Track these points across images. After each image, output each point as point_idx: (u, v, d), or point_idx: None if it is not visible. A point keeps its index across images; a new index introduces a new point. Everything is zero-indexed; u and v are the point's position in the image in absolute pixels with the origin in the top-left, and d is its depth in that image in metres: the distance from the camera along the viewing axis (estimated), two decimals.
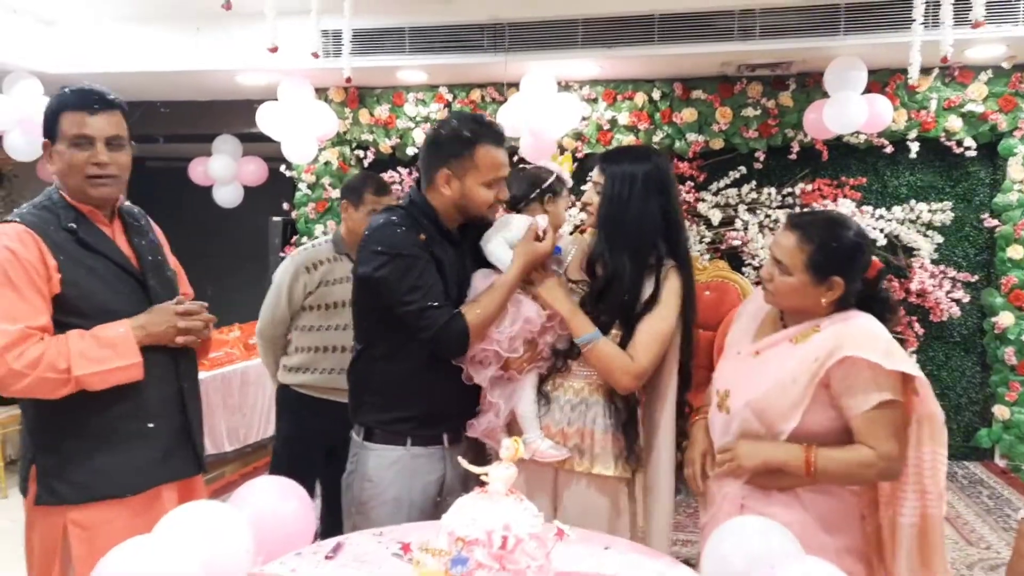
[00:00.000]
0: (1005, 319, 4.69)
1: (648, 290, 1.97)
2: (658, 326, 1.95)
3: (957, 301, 4.87)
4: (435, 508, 2.04)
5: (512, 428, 2.02)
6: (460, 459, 1.52)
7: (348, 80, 3.52)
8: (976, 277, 4.91)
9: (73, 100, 1.78)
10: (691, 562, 1.78)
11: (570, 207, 2.25)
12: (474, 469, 1.45)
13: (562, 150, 4.97)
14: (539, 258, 1.96)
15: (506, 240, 2.03)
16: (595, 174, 2.04)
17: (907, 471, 1.79)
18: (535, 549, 1.36)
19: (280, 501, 1.79)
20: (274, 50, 3.02)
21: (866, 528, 1.86)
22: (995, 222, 4.82)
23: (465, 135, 1.95)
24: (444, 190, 1.98)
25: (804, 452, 1.76)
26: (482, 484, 1.42)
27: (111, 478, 1.78)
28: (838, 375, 1.73)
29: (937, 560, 1.82)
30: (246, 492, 1.80)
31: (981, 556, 3.46)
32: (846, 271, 1.78)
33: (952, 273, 4.89)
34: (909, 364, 1.74)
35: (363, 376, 2.07)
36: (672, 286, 1.97)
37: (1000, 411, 4.77)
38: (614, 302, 1.97)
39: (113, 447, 1.79)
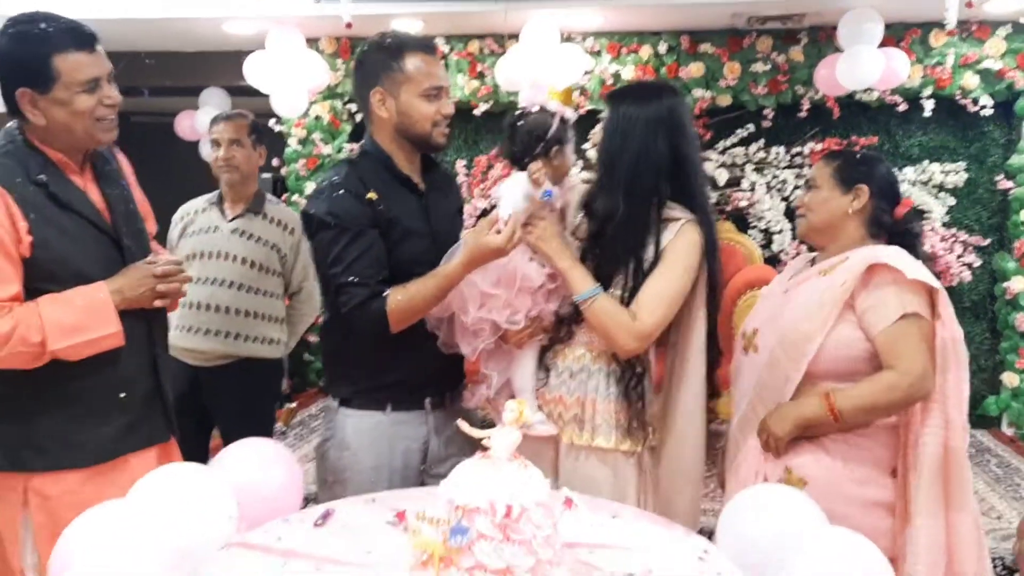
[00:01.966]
0: (1017, 284, 4.57)
1: (654, 245, 1.80)
2: (666, 285, 1.78)
3: (968, 265, 4.75)
4: (419, 476, 1.94)
5: (514, 395, 1.90)
6: (460, 422, 1.39)
7: (348, 26, 3.34)
8: (988, 241, 4.78)
9: (67, 40, 1.58)
10: (706, 531, 1.67)
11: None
12: (476, 433, 1.34)
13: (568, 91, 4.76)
14: (488, 253, 1.74)
15: (510, 205, 1.87)
16: (604, 113, 1.89)
17: (934, 396, 1.76)
18: (541, 518, 1.25)
19: (265, 465, 1.70)
20: None
21: (897, 482, 1.81)
22: (1009, 184, 4.67)
23: (389, 44, 1.82)
24: (381, 113, 1.84)
25: (824, 400, 1.76)
26: (483, 449, 1.30)
27: (79, 448, 1.68)
28: (863, 292, 1.77)
29: (962, 496, 1.79)
30: (228, 455, 1.70)
31: (992, 526, 3.37)
32: (869, 180, 1.89)
33: (963, 237, 4.76)
34: (932, 278, 1.76)
35: (334, 347, 1.96)
36: (686, 242, 1.79)
37: (1009, 378, 4.68)
38: (609, 247, 1.81)
39: (82, 417, 1.69)
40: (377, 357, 1.85)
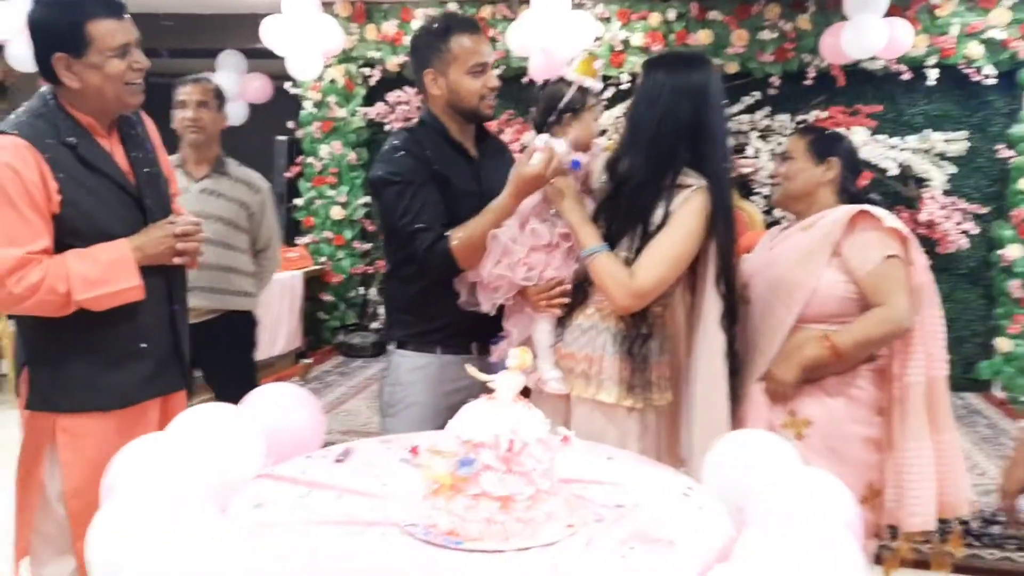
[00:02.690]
0: (1013, 251, 4.67)
1: (663, 210, 1.86)
2: (667, 247, 1.84)
3: (966, 232, 4.84)
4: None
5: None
6: (468, 367, 1.52)
7: None
8: (987, 209, 4.86)
9: (98, 8, 1.67)
10: None
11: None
12: (480, 376, 1.46)
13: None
14: (529, 181, 1.86)
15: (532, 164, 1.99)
16: (639, 77, 1.99)
17: (914, 333, 1.96)
18: (541, 453, 1.38)
19: (291, 408, 1.80)
20: None
21: (884, 420, 2.00)
22: (1010, 153, 4.74)
23: (436, 28, 2.00)
24: (435, 91, 2.02)
25: (823, 340, 1.94)
26: (490, 392, 1.43)
27: (103, 392, 1.78)
28: (848, 238, 1.95)
29: (944, 419, 2.01)
30: (258, 398, 1.81)
31: (975, 481, 3.50)
32: (839, 153, 2.09)
33: (963, 205, 4.84)
34: (905, 227, 1.98)
35: (393, 295, 2.18)
36: (693, 208, 1.84)
37: (1002, 343, 4.80)
38: (623, 208, 1.90)
39: (106, 364, 1.79)
40: (428, 304, 2.04)
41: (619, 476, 1.60)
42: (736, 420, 1.98)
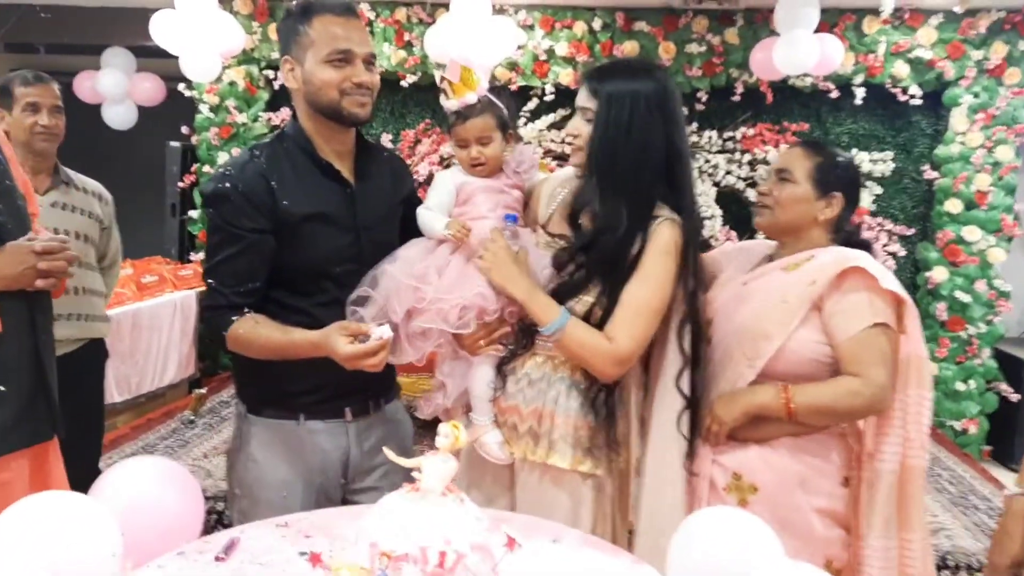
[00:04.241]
0: (939, 274, 4.64)
1: (637, 246, 1.61)
2: (644, 295, 1.59)
3: (892, 255, 4.79)
4: (340, 491, 1.77)
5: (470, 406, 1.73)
6: (386, 451, 1.22)
7: None
8: (913, 230, 4.83)
9: None
10: None
11: (516, 138, 1.85)
12: (403, 462, 1.17)
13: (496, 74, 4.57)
14: (334, 356, 1.52)
15: (431, 203, 1.71)
16: (583, 97, 1.66)
17: (893, 413, 1.70)
18: (479, 564, 1.09)
19: (159, 490, 1.48)
20: None
21: (849, 492, 1.74)
22: (935, 174, 4.72)
23: (297, 7, 1.65)
24: (291, 84, 1.67)
25: (781, 391, 1.66)
26: (411, 479, 1.14)
27: None
28: (834, 295, 1.68)
29: (915, 516, 1.74)
30: (113, 477, 1.48)
31: None
32: (846, 190, 1.80)
33: (889, 226, 4.80)
34: (903, 290, 1.70)
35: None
36: (663, 242, 1.60)
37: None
38: (600, 260, 1.62)
39: None
40: (289, 364, 1.63)
41: (570, 569, 1.34)
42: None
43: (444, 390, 1.72)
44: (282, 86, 5.04)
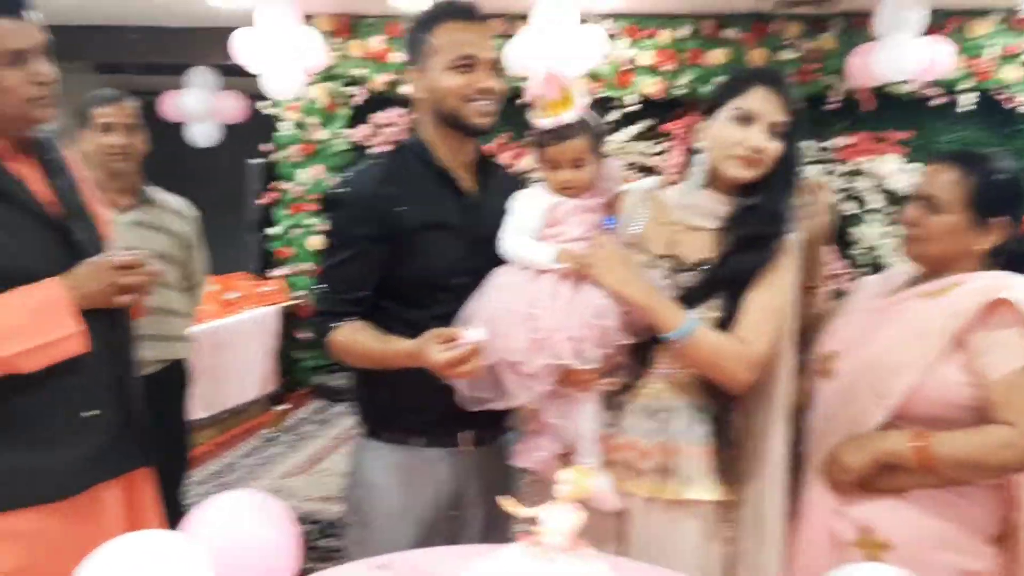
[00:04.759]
0: None
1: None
2: (774, 300, 1.51)
3: None
4: (449, 523, 1.67)
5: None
6: (501, 500, 1.09)
7: None
8: None
9: None
10: None
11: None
12: (520, 512, 1.05)
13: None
14: (429, 365, 1.44)
15: (518, 227, 1.57)
16: (772, 109, 1.51)
17: None
18: None
19: (253, 525, 1.40)
20: None
21: (1001, 551, 1.51)
22: None
23: (423, 16, 1.60)
24: (418, 93, 1.62)
25: (918, 438, 1.46)
26: (531, 533, 1.02)
27: (39, 479, 1.46)
28: (981, 330, 1.46)
29: None
30: (207, 514, 1.39)
31: None
32: (1011, 209, 1.54)
33: None
34: None
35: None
36: (790, 254, 1.54)
37: None
38: (734, 267, 1.53)
39: (40, 442, 1.46)
40: (404, 382, 1.56)
41: None
42: (793, 529, 1.59)
43: (553, 433, 1.58)
44: (363, 103, 5.05)
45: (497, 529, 1.65)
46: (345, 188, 1.61)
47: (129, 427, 1.59)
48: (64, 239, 1.49)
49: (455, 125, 1.60)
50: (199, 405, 4.10)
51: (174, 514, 1.85)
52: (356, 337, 1.57)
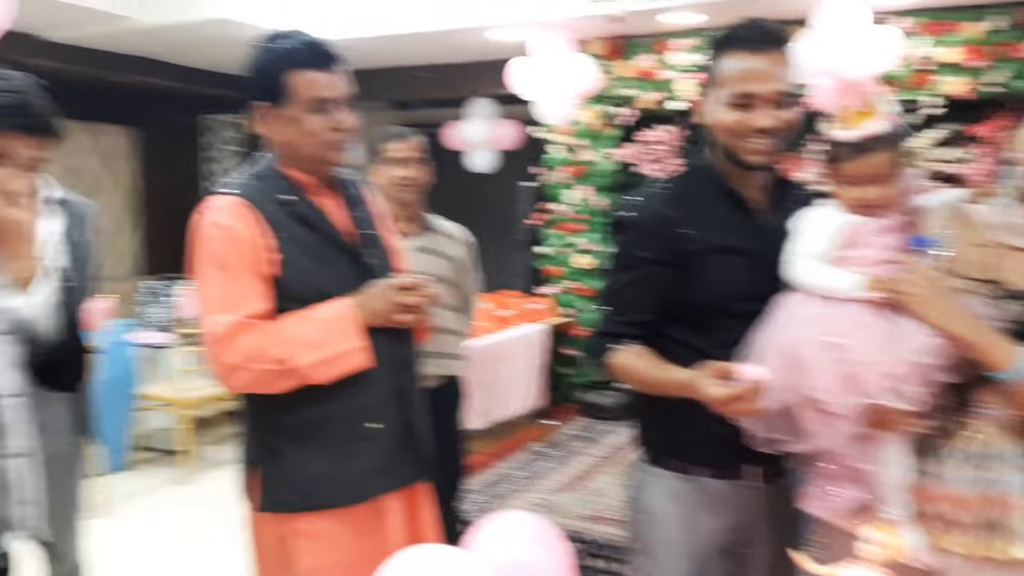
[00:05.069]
0: None
1: None
2: None
3: None
4: (732, 561, 1.60)
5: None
6: (794, 554, 0.98)
7: (618, 20, 3.02)
8: None
9: (304, 57, 1.54)
10: None
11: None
12: (815, 569, 0.93)
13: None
14: (702, 398, 1.37)
15: (809, 250, 1.44)
16: None
17: None
18: None
19: (532, 547, 1.39)
20: None
21: None
22: None
23: (713, 42, 1.56)
24: (704, 120, 1.57)
25: None
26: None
27: (332, 485, 1.60)
28: None
29: None
30: (488, 532, 1.42)
31: None
32: None
33: None
34: None
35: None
36: None
37: None
38: None
39: (333, 450, 1.60)
40: (687, 410, 1.48)
41: None
42: None
43: (864, 480, 1.42)
44: (633, 123, 5.05)
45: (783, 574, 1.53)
46: (632, 211, 1.60)
47: (411, 441, 1.69)
48: (357, 263, 1.63)
49: (732, 161, 1.53)
50: (475, 416, 4.32)
51: (450, 521, 1.94)
52: (634, 362, 1.56)
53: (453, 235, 2.85)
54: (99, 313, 2.90)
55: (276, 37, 1.59)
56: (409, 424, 1.68)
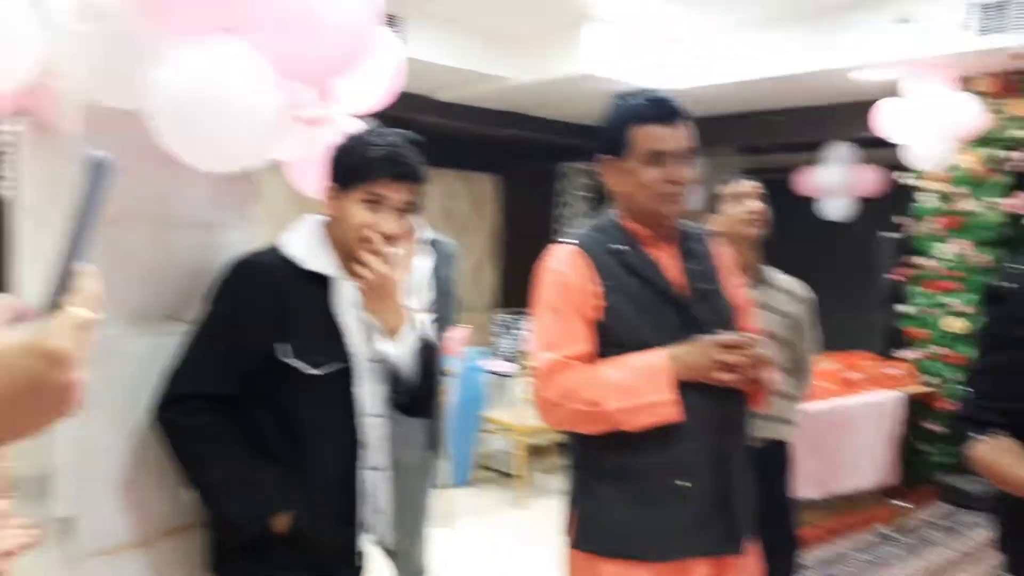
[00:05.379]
0: None
1: None
2: None
3: None
4: None
5: None
6: None
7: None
8: None
9: (646, 112, 1.61)
10: None
11: None
12: None
13: None
14: None
15: None
16: None
17: None
18: None
19: None
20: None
21: None
22: None
23: None
24: None
25: None
26: None
27: (638, 536, 1.59)
28: None
29: None
30: None
31: None
32: None
33: None
34: None
35: None
36: None
37: None
38: None
39: (643, 502, 1.60)
40: None
41: None
42: None
43: None
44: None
45: None
46: (1014, 281, 1.43)
47: (726, 507, 1.60)
48: (684, 316, 1.62)
49: None
50: (810, 484, 3.99)
51: None
52: (999, 458, 1.40)
53: (791, 290, 2.68)
54: (458, 341, 3.18)
55: (627, 95, 1.66)
56: (725, 489, 1.60)
